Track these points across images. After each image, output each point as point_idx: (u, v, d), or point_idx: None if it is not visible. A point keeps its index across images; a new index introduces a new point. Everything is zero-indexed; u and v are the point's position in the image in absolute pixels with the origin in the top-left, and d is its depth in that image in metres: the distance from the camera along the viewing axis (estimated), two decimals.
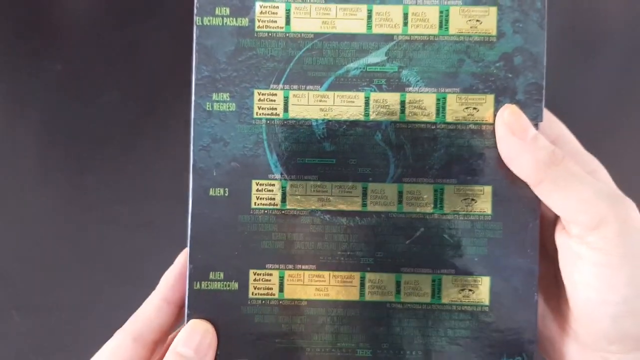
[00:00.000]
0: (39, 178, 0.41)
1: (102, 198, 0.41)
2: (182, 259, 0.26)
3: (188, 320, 0.25)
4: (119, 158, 0.42)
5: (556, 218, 0.25)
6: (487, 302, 0.25)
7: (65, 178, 0.41)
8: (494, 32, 0.25)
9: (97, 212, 0.41)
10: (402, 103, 0.25)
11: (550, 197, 0.24)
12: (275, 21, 0.25)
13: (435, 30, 0.25)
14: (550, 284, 0.27)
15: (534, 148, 0.24)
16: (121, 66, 0.42)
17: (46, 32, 0.43)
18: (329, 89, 0.25)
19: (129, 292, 0.40)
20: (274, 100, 0.26)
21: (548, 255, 0.26)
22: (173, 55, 0.42)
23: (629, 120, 0.43)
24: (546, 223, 0.26)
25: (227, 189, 0.26)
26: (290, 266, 0.26)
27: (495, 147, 0.25)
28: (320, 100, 0.25)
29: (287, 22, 0.25)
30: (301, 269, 0.26)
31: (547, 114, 0.26)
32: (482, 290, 0.25)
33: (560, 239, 0.25)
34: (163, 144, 0.42)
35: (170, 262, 0.39)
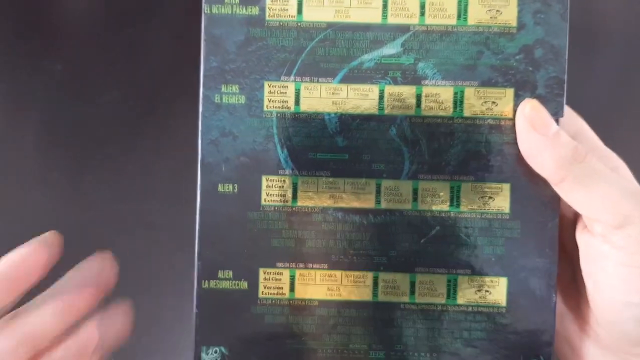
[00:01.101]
0: (39, 178, 0.41)
1: (102, 198, 0.41)
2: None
3: (196, 320, 0.25)
4: (119, 158, 0.42)
5: (576, 216, 0.25)
6: (504, 304, 0.25)
7: (65, 178, 0.41)
8: (514, 23, 0.24)
9: (97, 212, 0.41)
10: (418, 97, 0.24)
11: (573, 195, 0.23)
12: (287, 10, 0.24)
13: (453, 21, 0.24)
14: (569, 284, 0.26)
15: (556, 144, 0.23)
16: (121, 66, 0.42)
17: (46, 32, 0.42)
18: (342, 81, 0.25)
19: (129, 292, 0.40)
20: (285, 93, 0.25)
21: (567, 254, 0.26)
22: (173, 55, 0.42)
23: (628, 121, 0.42)
24: (565, 221, 0.25)
25: (236, 185, 0.25)
26: (301, 265, 0.25)
27: (515, 143, 0.24)
28: (333, 93, 0.25)
29: (299, 10, 0.24)
30: (312, 268, 0.25)
31: (566, 109, 0.25)
32: (498, 291, 0.25)
33: (582, 237, 0.24)
34: (163, 144, 0.42)
35: (170, 262, 0.39)
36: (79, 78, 0.41)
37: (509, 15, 0.24)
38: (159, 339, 0.40)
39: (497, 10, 0.24)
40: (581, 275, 0.24)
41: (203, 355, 0.25)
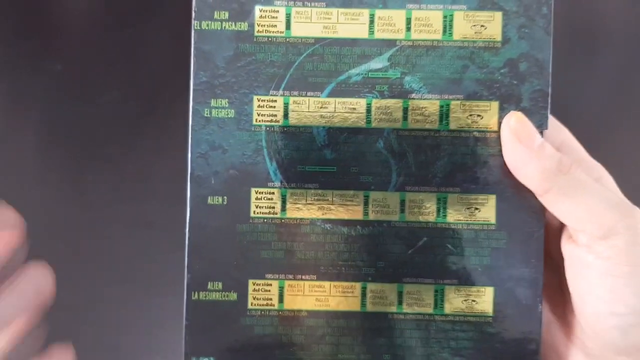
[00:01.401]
0: (39, 178, 0.41)
1: (102, 198, 0.41)
2: None
3: (186, 331, 0.25)
4: (119, 158, 0.42)
5: (561, 226, 0.25)
6: (490, 313, 0.25)
7: (65, 178, 0.41)
8: (499, 37, 0.25)
9: (97, 212, 0.41)
10: (405, 110, 0.25)
11: (558, 206, 0.23)
12: (275, 25, 0.25)
13: (439, 36, 0.25)
14: (555, 293, 0.26)
15: (541, 156, 0.23)
16: (121, 66, 0.42)
17: (46, 32, 0.42)
18: (330, 95, 0.25)
19: (129, 292, 0.40)
20: (274, 107, 0.25)
21: (552, 263, 0.26)
22: (173, 55, 0.42)
23: (629, 122, 0.42)
24: (551, 231, 0.26)
25: (225, 198, 0.25)
26: (290, 276, 0.25)
27: (500, 155, 0.25)
28: (321, 107, 0.25)
29: (288, 26, 0.25)
30: (301, 279, 0.25)
31: (551, 120, 0.25)
32: (485, 300, 0.25)
33: (567, 248, 0.24)
34: (163, 144, 0.42)
35: (170, 262, 0.39)
36: (79, 78, 0.41)
37: (494, 30, 0.25)
38: (159, 339, 0.40)
39: (482, 26, 0.25)
40: (567, 285, 0.25)
41: None
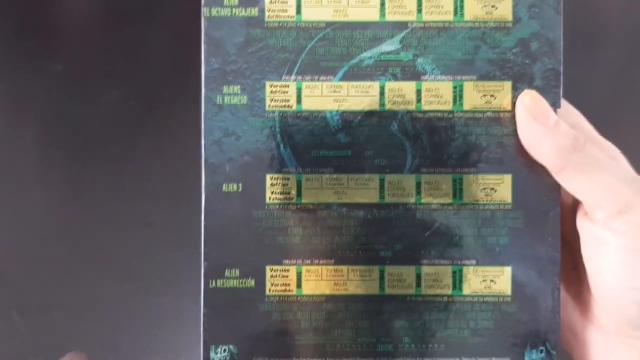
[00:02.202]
0: (39, 178, 0.41)
1: (102, 198, 0.41)
2: None
3: (204, 320, 0.25)
4: (119, 158, 0.42)
5: (575, 204, 0.25)
6: (509, 293, 0.25)
7: (65, 178, 0.41)
8: (509, 17, 0.25)
9: (97, 212, 0.41)
10: (418, 92, 0.25)
11: (573, 184, 0.23)
12: (286, 10, 0.25)
13: (450, 17, 0.25)
14: (570, 271, 0.26)
15: (556, 133, 0.23)
16: (121, 66, 0.42)
17: (46, 32, 0.42)
18: (343, 79, 0.25)
19: (129, 292, 0.40)
20: (287, 92, 0.25)
21: (566, 242, 0.26)
22: (173, 55, 0.42)
23: (629, 122, 0.43)
24: (564, 210, 0.26)
25: (240, 184, 0.25)
26: (308, 261, 0.25)
27: (514, 134, 0.25)
28: (334, 91, 0.25)
29: (298, 11, 0.25)
30: (319, 264, 0.25)
31: (563, 102, 0.25)
32: (503, 280, 0.25)
33: (583, 224, 0.24)
34: (163, 144, 0.42)
35: (170, 262, 0.39)
36: (79, 78, 0.41)
37: (504, 10, 0.25)
38: (159, 339, 0.40)
39: (493, 6, 0.25)
40: (581, 263, 0.25)
41: (212, 354, 0.25)
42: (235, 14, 0.25)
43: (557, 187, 0.25)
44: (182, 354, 0.40)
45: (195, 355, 0.39)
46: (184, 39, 0.41)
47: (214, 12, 0.25)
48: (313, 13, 0.25)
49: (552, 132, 0.23)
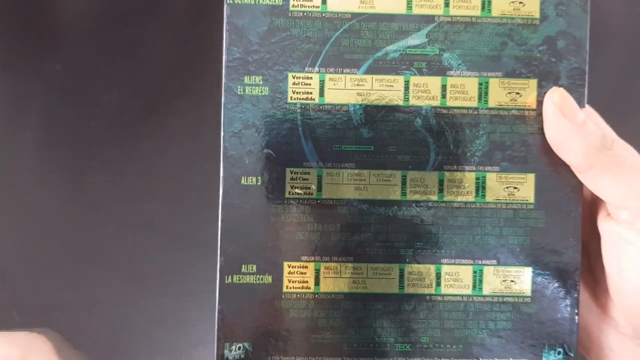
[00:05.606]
0: (39, 178, 0.41)
1: (102, 198, 0.41)
2: None
3: (219, 317, 0.24)
4: (119, 158, 0.41)
5: (594, 205, 0.25)
6: (528, 293, 0.25)
7: (65, 178, 0.41)
8: (537, 14, 0.24)
9: (97, 212, 0.41)
10: (443, 87, 0.24)
11: (600, 183, 0.23)
12: (311, 0, 0.24)
13: (477, 12, 0.24)
14: (586, 273, 0.26)
15: (585, 132, 0.23)
16: (121, 66, 0.42)
17: (46, 32, 0.42)
18: (367, 72, 0.24)
19: (129, 292, 0.39)
20: (309, 84, 0.24)
21: (583, 243, 0.26)
22: (173, 54, 0.42)
23: (629, 122, 0.43)
24: (584, 210, 0.25)
25: (259, 178, 0.24)
26: (327, 258, 0.24)
27: (539, 133, 0.24)
28: (357, 84, 0.24)
29: (324, 1, 0.24)
30: (338, 261, 0.24)
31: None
32: (523, 280, 0.25)
33: (606, 225, 0.24)
34: (163, 144, 0.42)
35: (170, 262, 0.38)
36: (79, 78, 0.41)
37: (532, 7, 0.24)
38: (159, 339, 0.40)
39: (520, 2, 0.24)
40: (598, 264, 0.25)
41: (226, 352, 0.24)
42: (259, 1, 0.24)
43: (579, 187, 0.24)
44: (182, 353, 0.39)
45: (195, 354, 0.39)
46: (184, 39, 0.41)
47: None
48: (339, 3, 0.24)
49: (580, 130, 0.23)
